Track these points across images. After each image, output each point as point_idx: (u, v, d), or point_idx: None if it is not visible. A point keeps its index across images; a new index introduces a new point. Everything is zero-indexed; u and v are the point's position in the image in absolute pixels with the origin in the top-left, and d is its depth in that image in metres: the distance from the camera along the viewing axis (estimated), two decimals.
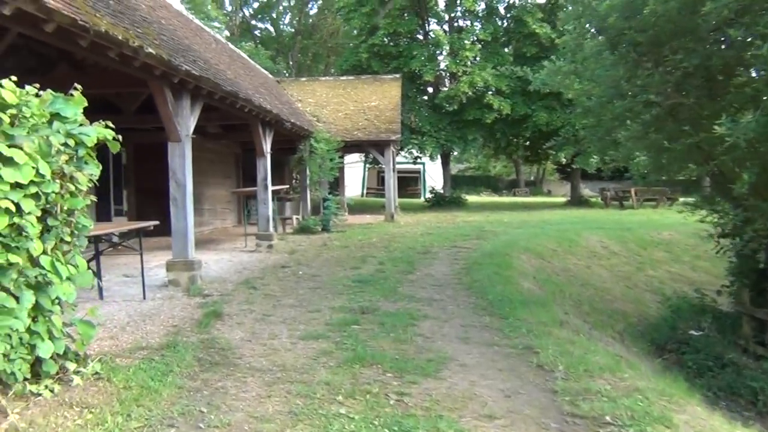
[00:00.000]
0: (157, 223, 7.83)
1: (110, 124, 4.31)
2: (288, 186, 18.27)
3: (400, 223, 19.56)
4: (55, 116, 4.00)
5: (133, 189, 15.48)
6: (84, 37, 5.40)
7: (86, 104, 4.16)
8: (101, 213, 13.60)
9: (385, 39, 27.12)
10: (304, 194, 17.30)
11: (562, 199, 32.41)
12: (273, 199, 14.68)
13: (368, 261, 10.72)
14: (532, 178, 63.44)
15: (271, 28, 44.44)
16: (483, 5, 26.98)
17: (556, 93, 25.54)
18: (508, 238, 14.35)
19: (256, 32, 43.19)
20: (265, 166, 12.23)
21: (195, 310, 6.76)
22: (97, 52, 5.90)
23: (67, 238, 4.11)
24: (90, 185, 4.29)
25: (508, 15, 27.70)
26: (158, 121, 7.90)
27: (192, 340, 5.43)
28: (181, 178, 7.99)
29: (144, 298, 7.29)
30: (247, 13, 43.18)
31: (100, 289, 7.22)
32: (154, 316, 6.42)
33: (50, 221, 3.91)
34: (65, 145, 4.00)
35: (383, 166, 35.85)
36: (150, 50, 6.29)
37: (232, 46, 18.88)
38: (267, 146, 12.28)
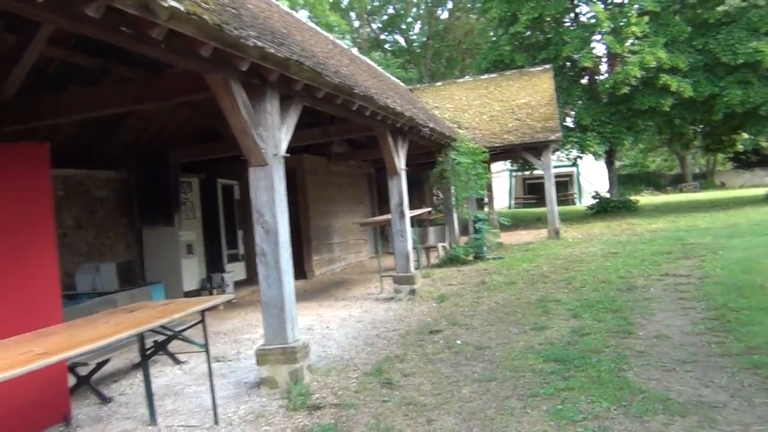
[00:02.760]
0: (232, 297, 5.16)
1: None
2: (430, 208, 15.41)
3: (568, 239, 15.95)
4: None
5: (251, 228, 13.31)
6: None
7: None
8: (212, 260, 11.48)
9: (529, 28, 23.54)
10: (449, 216, 14.29)
11: (759, 192, 26.69)
12: (413, 226, 11.85)
13: (552, 310, 7.45)
14: (697, 170, 56.09)
15: (401, 40, 42.26)
16: None
17: (751, 63, 20.82)
18: (733, 255, 10.38)
19: (386, 46, 41.16)
20: (399, 187, 9.39)
21: None
22: None
23: None
24: None
25: None
26: None
27: None
28: (271, 220, 5.28)
29: (216, 422, 4.55)
30: (375, 27, 41.36)
31: (153, 413, 4.61)
32: None
33: None
34: None
35: (529, 173, 32.36)
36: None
37: (355, 51, 16.44)
38: (401, 161, 9.45)
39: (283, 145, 5.42)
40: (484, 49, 27.37)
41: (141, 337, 4.58)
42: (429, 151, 13.65)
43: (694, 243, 12.73)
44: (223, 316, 9.75)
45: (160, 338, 5.70)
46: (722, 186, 47.79)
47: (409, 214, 9.52)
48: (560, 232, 16.46)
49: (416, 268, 11.10)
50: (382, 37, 42.05)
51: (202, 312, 4.58)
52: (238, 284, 12.25)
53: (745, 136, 26.40)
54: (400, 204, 9.36)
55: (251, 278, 12.95)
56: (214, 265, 11.65)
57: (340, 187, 15.25)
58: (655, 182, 51.25)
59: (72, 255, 9.06)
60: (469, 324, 7.15)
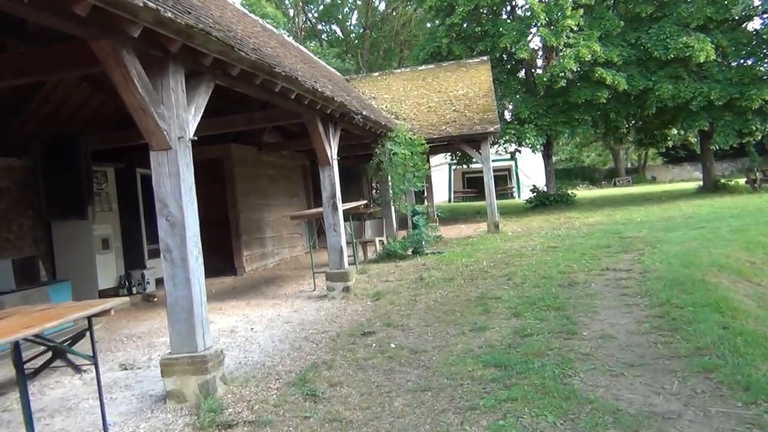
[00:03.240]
0: (124, 302, 4.49)
1: None
2: (366, 201, 14.87)
3: (507, 233, 15.71)
4: None
5: None
6: None
7: None
8: (132, 256, 10.63)
9: (466, 19, 23.25)
10: (387, 210, 13.80)
11: (691, 186, 27.38)
12: (348, 219, 11.30)
13: (492, 309, 7.03)
14: (629, 165, 57.73)
15: (338, 30, 41.49)
16: None
17: (682, 58, 21.15)
18: (671, 248, 10.27)
19: (323, 36, 40.29)
20: (331, 178, 8.80)
21: None
22: None
23: None
24: None
25: None
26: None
27: None
28: (177, 212, 4.58)
29: None
30: (311, 17, 40.41)
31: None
32: None
33: None
34: None
35: (468, 167, 32.20)
36: None
37: (289, 39, 15.70)
38: (333, 151, 8.85)
39: (191, 128, 4.75)
40: (421, 40, 26.96)
41: (16, 348, 3.85)
42: (365, 142, 13.11)
43: (631, 236, 12.64)
44: (140, 316, 8.98)
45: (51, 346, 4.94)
46: (653, 180, 49.24)
47: (342, 207, 8.94)
48: (500, 225, 16.21)
49: (351, 264, 10.56)
50: (320, 27, 41.18)
51: (89, 318, 3.89)
52: (161, 281, 11.43)
53: (675, 131, 26.98)
54: (333, 196, 8.78)
55: None
56: (133, 261, 10.79)
57: (272, 179, 14.52)
58: (590, 177, 52.41)
59: None
60: (404, 324, 6.65)
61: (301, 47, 16.55)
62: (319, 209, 9.56)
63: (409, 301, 7.95)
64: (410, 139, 13.00)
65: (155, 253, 11.19)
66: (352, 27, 40.64)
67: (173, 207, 4.55)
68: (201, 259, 4.77)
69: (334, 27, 41.03)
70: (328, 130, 8.71)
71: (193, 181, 4.72)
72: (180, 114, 4.59)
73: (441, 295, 8.20)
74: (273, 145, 14.14)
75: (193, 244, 4.68)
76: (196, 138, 4.79)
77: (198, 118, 4.88)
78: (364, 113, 9.66)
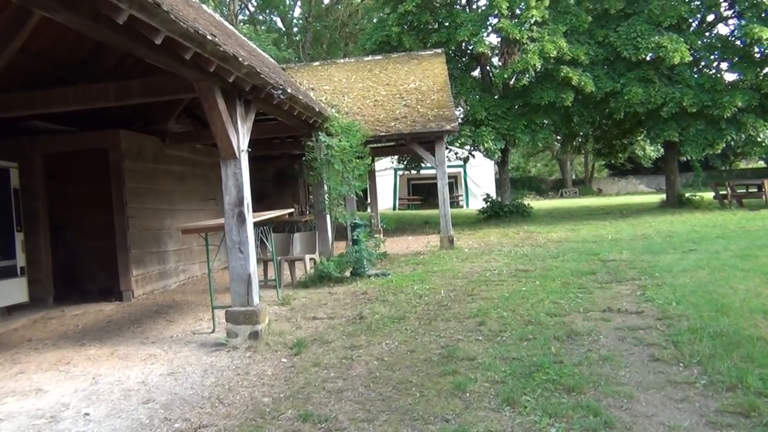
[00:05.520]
0: None
1: None
2: (293, 209, 12.28)
3: (464, 249, 13.40)
4: None
5: (44, 228, 9.59)
6: None
7: None
8: None
9: (419, 7, 20.92)
10: (322, 219, 11.20)
11: (652, 200, 25.85)
12: (267, 234, 8.72)
13: (467, 384, 4.54)
14: (574, 177, 56.93)
15: (279, 22, 38.59)
16: None
17: (653, 60, 19.37)
18: (679, 281, 8.09)
19: (263, 27, 37.28)
20: (237, 177, 6.17)
21: None
22: None
23: None
24: None
25: None
26: None
27: None
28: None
29: None
30: (250, 5, 37.38)
31: None
32: None
33: None
34: None
35: (419, 172, 29.71)
36: None
37: (207, 9, 12.92)
38: (240, 139, 6.23)
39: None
40: (369, 27, 24.46)
41: None
42: (297, 135, 10.56)
43: (614, 260, 10.52)
44: None
45: None
46: (599, 192, 48.42)
47: (251, 218, 6.31)
48: (454, 240, 13.89)
49: (272, 288, 7.98)
50: (260, 18, 38.22)
51: None
52: (11, 310, 8.55)
53: (640, 140, 25.49)
54: (239, 203, 6.13)
55: (39, 299, 9.26)
56: None
57: (180, 177, 11.72)
58: (537, 187, 51.13)
59: None
60: (331, 417, 4.11)
61: (225, 22, 13.82)
62: (217, 222, 6.96)
63: (343, 361, 5.41)
64: (345, 126, 10.45)
65: (3, 273, 8.37)
66: (294, 19, 37.83)
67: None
68: None
69: (275, 18, 38.09)
70: (234, 109, 6.09)
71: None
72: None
73: (388, 349, 5.71)
74: (181, 135, 11.37)
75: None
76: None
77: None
78: (288, 90, 7.05)
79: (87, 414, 4.47)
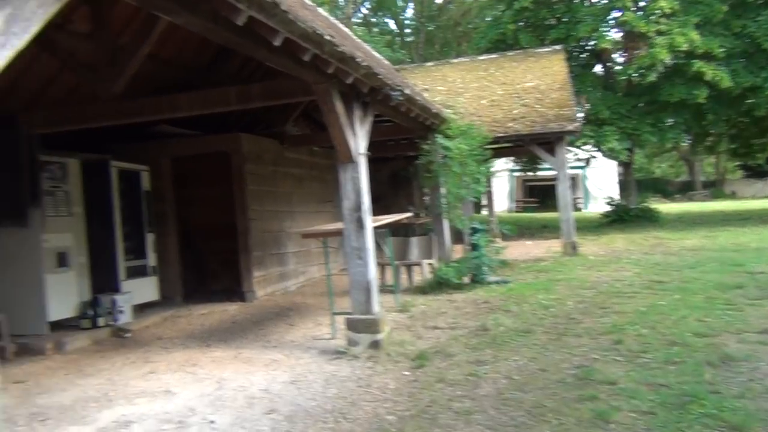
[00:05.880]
0: None
1: None
2: (410, 212, 12.08)
3: (588, 257, 12.66)
4: None
5: (173, 229, 9.97)
6: None
7: None
8: (101, 276, 8.17)
9: (536, 2, 20.14)
10: (439, 224, 10.94)
11: None
12: (384, 238, 8.58)
13: (610, 413, 4.09)
14: (703, 178, 53.00)
15: (392, 24, 38.78)
16: None
17: None
18: None
19: (376, 29, 37.68)
20: (356, 182, 6.03)
21: None
22: None
23: None
24: None
25: None
26: None
27: None
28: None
29: None
30: (363, 9, 37.90)
31: None
32: None
33: None
34: None
35: (535, 174, 28.73)
36: None
37: (323, 11, 13.03)
38: (358, 142, 6.09)
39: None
40: (484, 26, 23.90)
41: None
42: (411, 137, 10.38)
43: (764, 272, 9.47)
44: (96, 363, 6.49)
45: None
46: (733, 195, 44.81)
47: (371, 223, 6.15)
48: (577, 246, 13.17)
49: (390, 293, 7.84)
50: (373, 20, 38.61)
51: None
52: (144, 307, 8.93)
53: None
54: (358, 208, 5.99)
55: (169, 298, 9.62)
56: (103, 282, 8.29)
57: (298, 180, 11.89)
58: (662, 189, 48.00)
59: None
60: None
61: (340, 24, 13.89)
62: (336, 226, 6.86)
63: (468, 377, 5.11)
64: (464, 129, 10.11)
65: (136, 272, 8.71)
66: (406, 20, 37.88)
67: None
68: None
69: (387, 20, 38.32)
70: (351, 111, 5.96)
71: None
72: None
73: (516, 366, 5.34)
74: (300, 138, 11.52)
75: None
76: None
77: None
78: (406, 91, 6.85)
79: (212, 422, 4.45)
